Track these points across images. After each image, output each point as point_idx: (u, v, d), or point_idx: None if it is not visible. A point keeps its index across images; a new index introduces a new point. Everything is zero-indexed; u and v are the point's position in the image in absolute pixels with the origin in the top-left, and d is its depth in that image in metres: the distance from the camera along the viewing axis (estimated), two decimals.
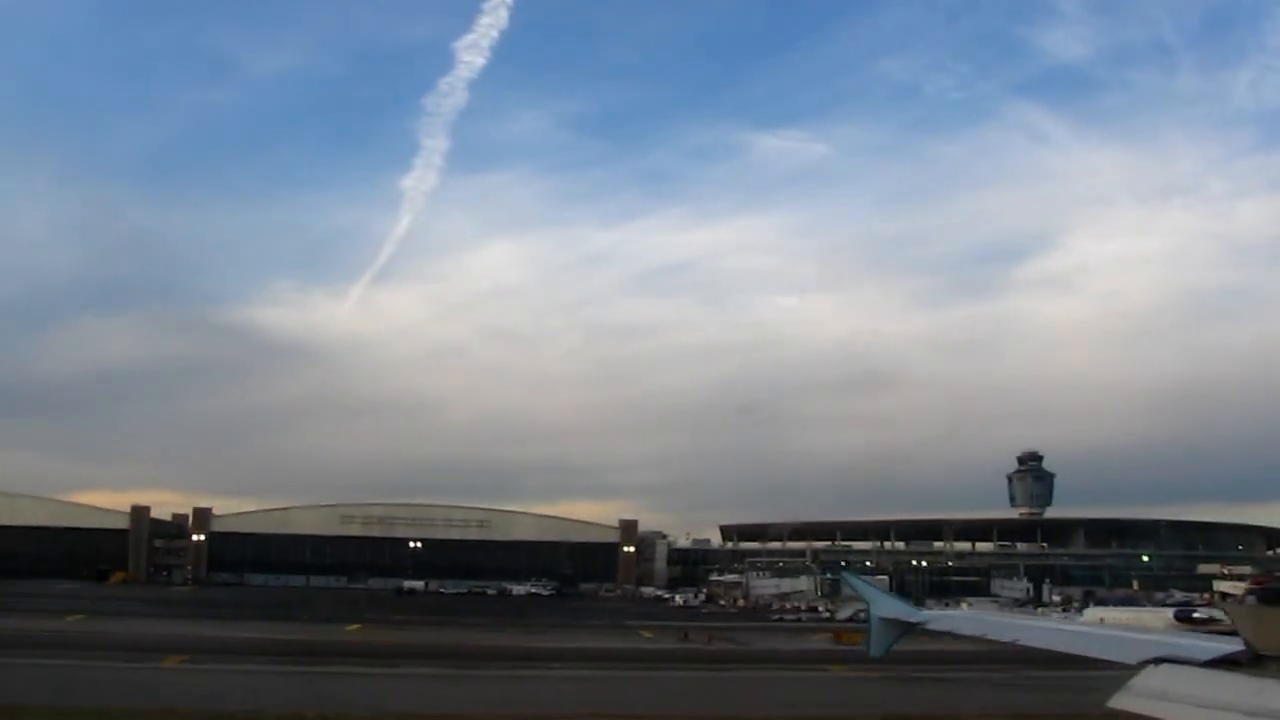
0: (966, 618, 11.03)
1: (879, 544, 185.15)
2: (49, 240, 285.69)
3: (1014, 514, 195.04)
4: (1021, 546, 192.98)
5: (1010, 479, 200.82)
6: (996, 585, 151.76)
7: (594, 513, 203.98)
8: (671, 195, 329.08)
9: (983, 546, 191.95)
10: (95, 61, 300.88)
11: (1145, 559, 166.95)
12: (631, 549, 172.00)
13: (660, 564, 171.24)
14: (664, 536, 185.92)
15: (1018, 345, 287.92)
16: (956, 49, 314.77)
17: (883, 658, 10.31)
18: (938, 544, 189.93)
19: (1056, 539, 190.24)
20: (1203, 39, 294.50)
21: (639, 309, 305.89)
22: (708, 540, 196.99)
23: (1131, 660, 7.75)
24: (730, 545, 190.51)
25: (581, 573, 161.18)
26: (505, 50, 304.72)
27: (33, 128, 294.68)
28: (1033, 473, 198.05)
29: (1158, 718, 7.27)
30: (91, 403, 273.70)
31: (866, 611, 10.91)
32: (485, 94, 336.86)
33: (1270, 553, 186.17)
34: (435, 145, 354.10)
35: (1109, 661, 7.94)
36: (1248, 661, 7.21)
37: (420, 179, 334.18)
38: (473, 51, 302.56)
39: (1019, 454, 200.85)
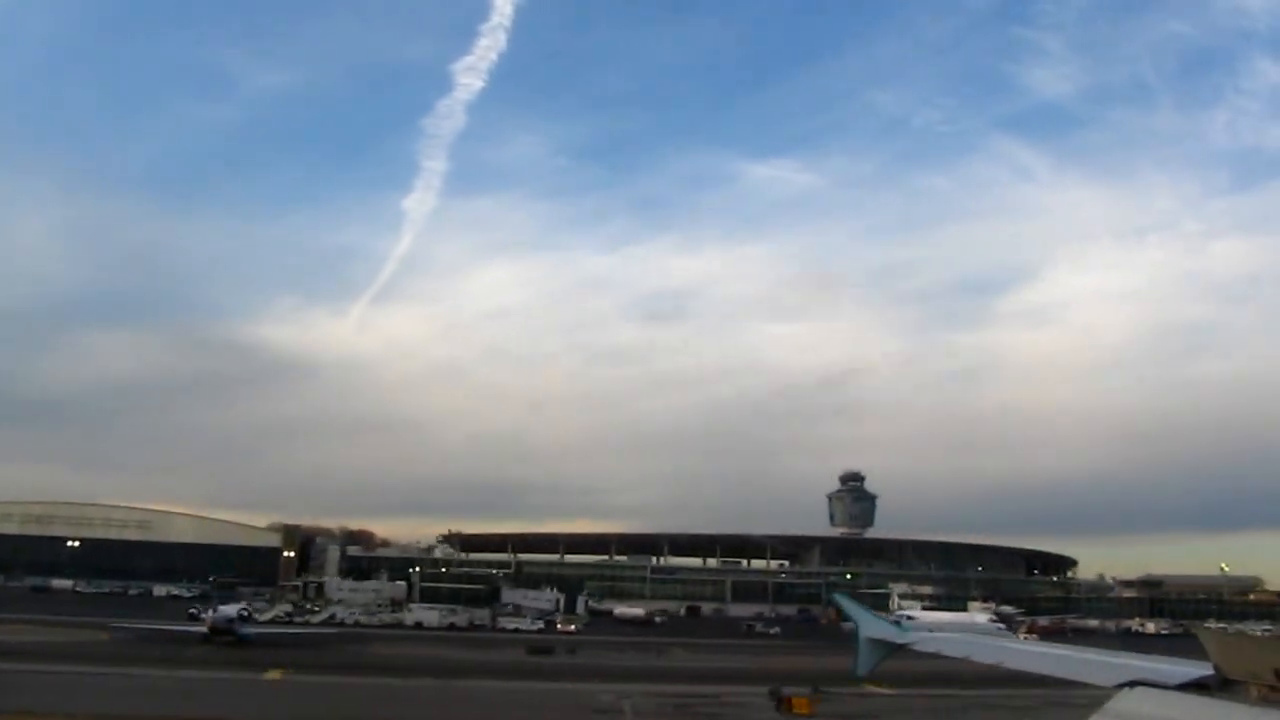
0: (953, 640, 11.42)
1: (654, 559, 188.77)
2: (54, 253, 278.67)
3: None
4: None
5: (830, 499, 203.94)
6: None
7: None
8: (664, 222, 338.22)
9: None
10: (100, 77, 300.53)
11: (849, 576, 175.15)
12: (292, 554, 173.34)
13: (331, 569, 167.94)
14: (337, 543, 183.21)
15: (998, 375, 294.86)
16: (944, 83, 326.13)
17: (867, 676, 10.68)
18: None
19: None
20: (1181, 80, 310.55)
21: (632, 334, 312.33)
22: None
23: (1108, 683, 8.18)
24: (461, 554, 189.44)
25: (244, 576, 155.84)
26: (503, 73, 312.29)
27: (38, 142, 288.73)
28: (853, 493, 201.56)
29: None
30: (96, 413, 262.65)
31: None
32: (483, 117, 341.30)
33: (1034, 574, 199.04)
34: (435, 167, 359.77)
35: (1087, 684, 8.37)
36: (1217, 686, 7.69)
37: (420, 200, 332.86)
38: (471, 74, 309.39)
39: (841, 474, 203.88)
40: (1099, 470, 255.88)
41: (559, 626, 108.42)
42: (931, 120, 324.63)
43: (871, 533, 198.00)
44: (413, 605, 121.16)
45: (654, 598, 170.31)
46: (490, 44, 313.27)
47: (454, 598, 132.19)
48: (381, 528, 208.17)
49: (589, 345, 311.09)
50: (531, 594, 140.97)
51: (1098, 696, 8.15)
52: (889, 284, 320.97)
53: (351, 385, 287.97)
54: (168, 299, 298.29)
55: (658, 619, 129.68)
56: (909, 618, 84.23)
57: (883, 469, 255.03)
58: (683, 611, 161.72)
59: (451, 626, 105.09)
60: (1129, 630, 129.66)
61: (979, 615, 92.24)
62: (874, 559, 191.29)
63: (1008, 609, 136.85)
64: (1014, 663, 9.36)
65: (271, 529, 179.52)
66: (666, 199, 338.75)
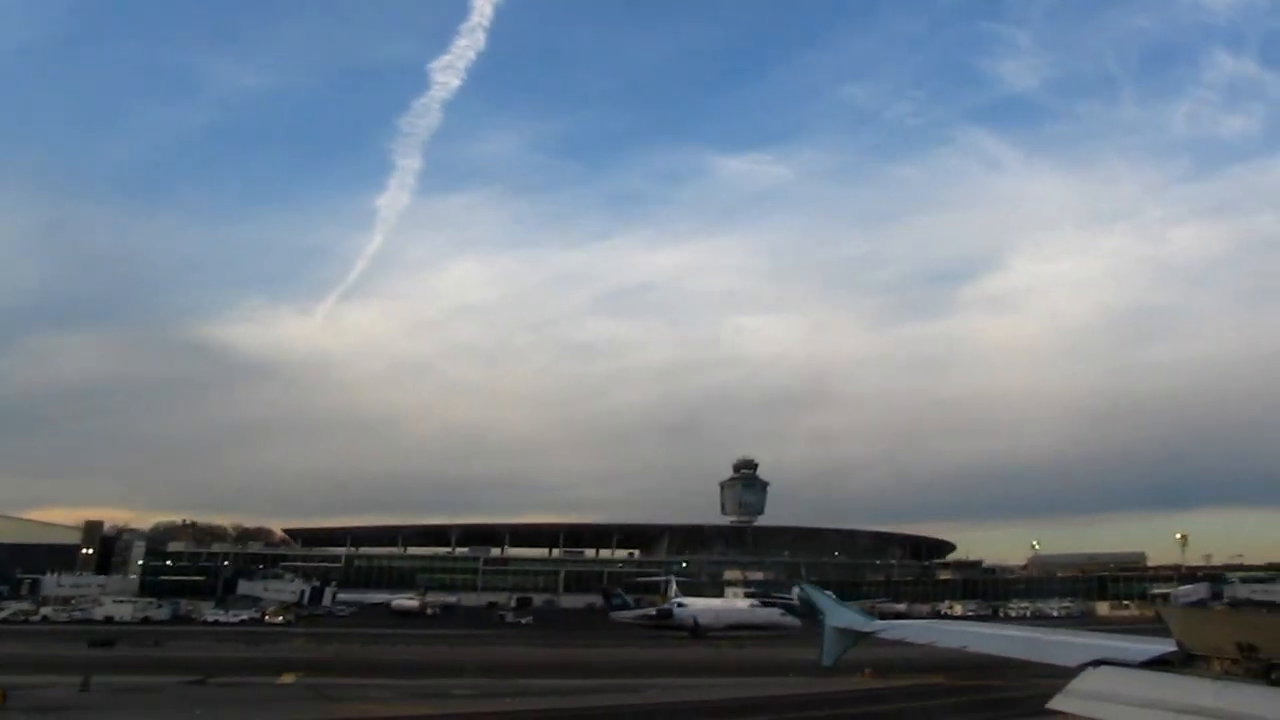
0: (917, 626, 11.54)
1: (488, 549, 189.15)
2: (16, 256, 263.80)
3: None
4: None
5: (722, 487, 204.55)
6: None
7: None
8: (638, 217, 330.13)
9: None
10: (69, 78, 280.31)
11: (684, 565, 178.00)
12: (90, 550, 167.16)
13: (134, 567, 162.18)
14: (143, 539, 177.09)
15: (960, 363, 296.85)
16: (915, 77, 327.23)
17: (833, 666, 10.66)
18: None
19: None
20: (1144, 73, 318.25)
21: (604, 328, 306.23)
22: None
23: (1072, 663, 8.29)
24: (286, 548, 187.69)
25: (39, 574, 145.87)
26: (480, 72, 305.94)
27: (5, 143, 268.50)
28: (744, 481, 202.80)
29: (1095, 718, 7.79)
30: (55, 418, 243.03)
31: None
32: (459, 115, 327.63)
33: (914, 560, 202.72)
34: (409, 165, 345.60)
35: (1051, 664, 8.49)
36: (1180, 662, 7.87)
37: (394, 198, 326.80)
38: (448, 73, 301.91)
39: (734, 462, 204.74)
40: (1054, 454, 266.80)
41: (266, 619, 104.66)
42: (902, 113, 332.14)
43: (762, 521, 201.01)
44: (104, 599, 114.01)
45: (488, 589, 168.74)
46: (469, 43, 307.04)
47: (178, 590, 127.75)
48: (334, 524, 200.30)
49: (559, 340, 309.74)
50: (274, 585, 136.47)
51: (1062, 677, 8.26)
52: (859, 274, 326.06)
53: (317, 383, 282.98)
54: (133, 300, 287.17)
55: (430, 611, 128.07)
56: (680, 604, 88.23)
57: (827, 458, 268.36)
58: (513, 603, 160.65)
59: (146, 620, 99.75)
60: (938, 613, 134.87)
61: (740, 601, 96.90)
62: (735, 547, 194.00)
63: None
64: (977, 646, 9.46)
65: (75, 527, 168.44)
66: (640, 194, 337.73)
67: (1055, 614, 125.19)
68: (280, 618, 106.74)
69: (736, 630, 79.12)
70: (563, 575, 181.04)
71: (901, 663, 39.61)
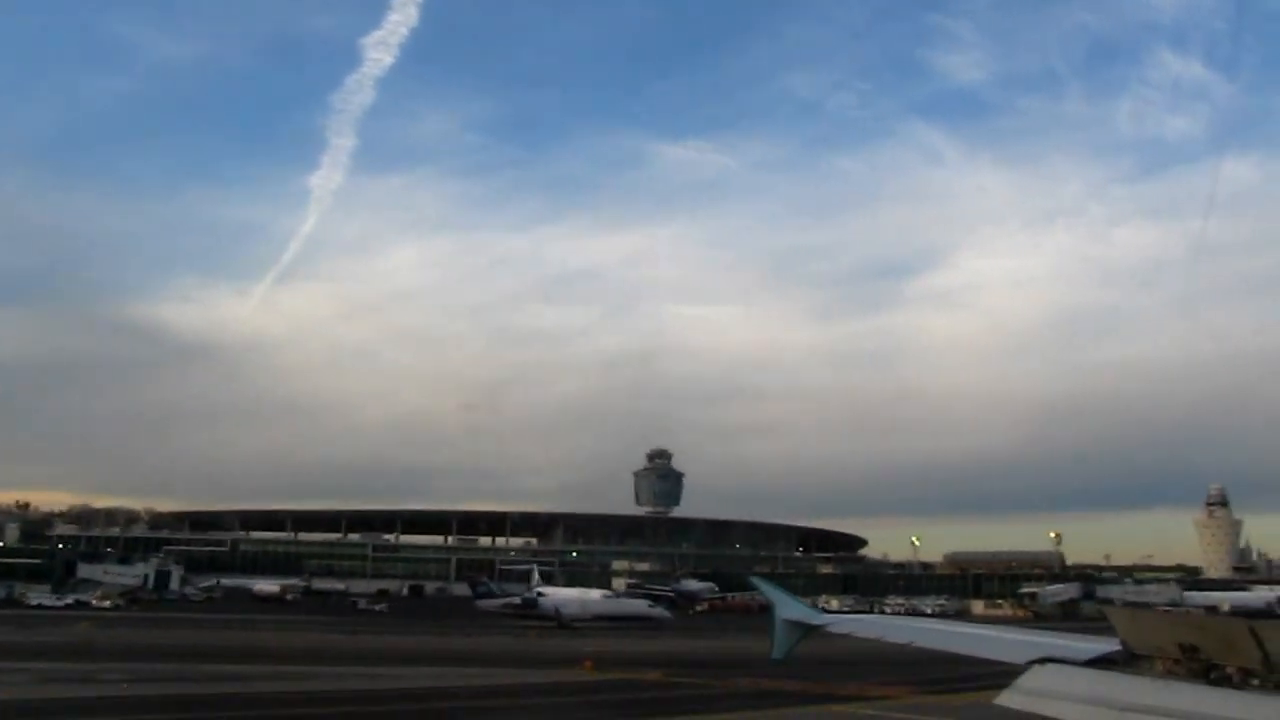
0: (865, 621, 11.58)
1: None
2: None
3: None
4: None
5: (635, 476, 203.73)
6: None
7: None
8: (579, 202, 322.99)
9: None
10: None
11: (574, 555, 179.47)
12: None
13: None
14: (15, 521, 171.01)
15: (904, 358, 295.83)
16: (858, 68, 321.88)
17: (784, 660, 10.60)
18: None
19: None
20: (1089, 69, 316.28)
21: (545, 315, 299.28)
22: None
23: (1018, 660, 8.38)
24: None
25: None
26: (415, 49, 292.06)
27: None
28: (657, 471, 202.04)
29: (1041, 714, 7.89)
30: None
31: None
32: (394, 93, 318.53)
33: (798, 552, 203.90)
34: (343, 144, 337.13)
35: (997, 661, 8.56)
36: (1124, 661, 8.00)
37: (327, 177, 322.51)
38: (381, 49, 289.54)
39: (648, 451, 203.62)
40: (991, 452, 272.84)
41: (94, 603, 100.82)
42: (845, 104, 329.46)
43: (678, 512, 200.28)
44: None
45: (377, 576, 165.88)
46: (401, 19, 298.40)
47: (9, 573, 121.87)
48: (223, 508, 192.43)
49: (498, 326, 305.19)
50: (115, 569, 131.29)
51: (1009, 673, 8.33)
52: (801, 266, 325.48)
53: (254, 366, 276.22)
54: (61, 275, 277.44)
55: (289, 597, 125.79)
56: (540, 594, 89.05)
57: (762, 451, 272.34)
58: (405, 590, 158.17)
59: None
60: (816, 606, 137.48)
61: (593, 592, 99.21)
62: (633, 537, 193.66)
63: (693, 584, 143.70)
64: (924, 641, 9.51)
65: None
66: (579, 179, 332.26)
67: (929, 611, 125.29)
68: (108, 602, 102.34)
69: (603, 621, 79.19)
70: (454, 563, 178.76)
71: (808, 657, 39.19)
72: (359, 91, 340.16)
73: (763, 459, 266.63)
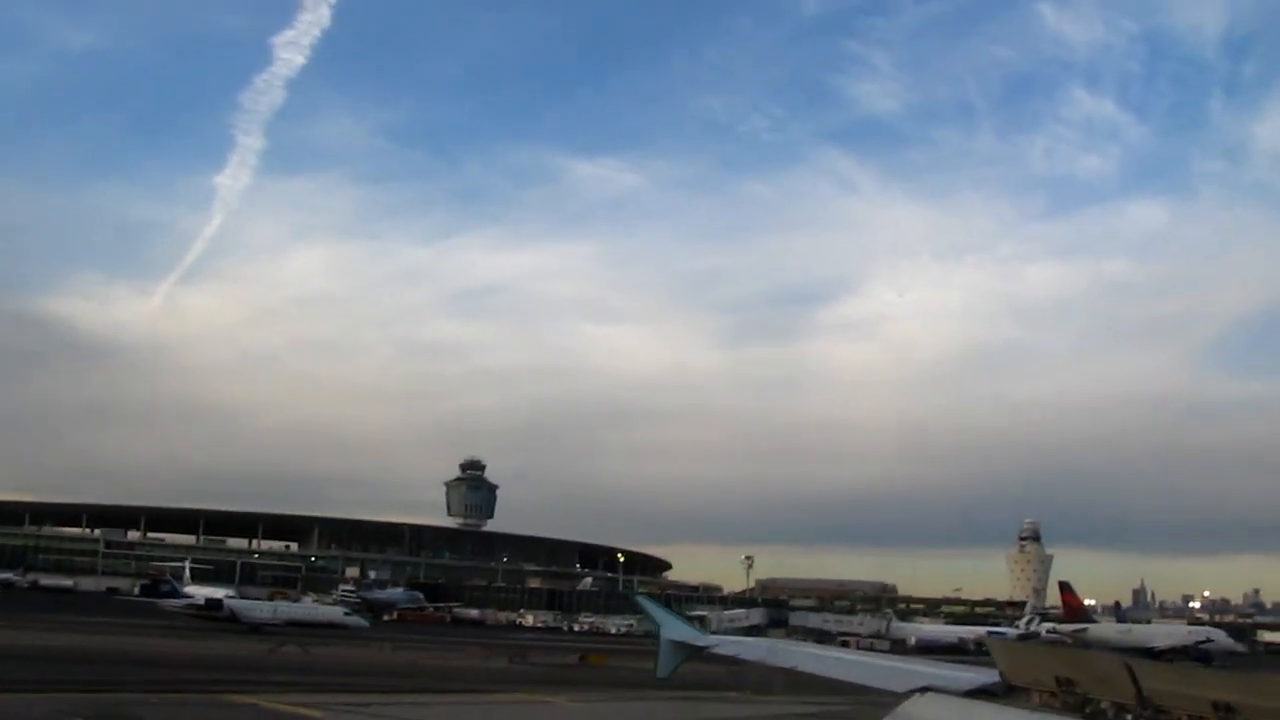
0: (750, 644, 11.17)
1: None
2: None
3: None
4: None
5: (447, 487, 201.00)
6: None
7: None
8: (487, 215, 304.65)
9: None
10: None
11: (314, 559, 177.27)
12: None
13: None
14: None
15: (805, 387, 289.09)
16: (771, 92, 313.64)
17: (668, 679, 10.07)
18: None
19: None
20: (1003, 104, 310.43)
21: (450, 328, 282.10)
22: None
23: (899, 689, 8.33)
24: None
25: None
26: (326, 51, 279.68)
27: None
28: (470, 482, 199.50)
29: None
30: None
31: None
32: (303, 94, 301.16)
33: (577, 566, 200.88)
34: (250, 144, 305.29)
35: (879, 689, 8.48)
36: (1002, 692, 8.09)
37: (233, 177, 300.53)
38: (292, 49, 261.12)
39: (461, 462, 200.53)
40: (868, 482, 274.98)
41: None
42: (758, 127, 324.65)
43: (491, 525, 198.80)
44: None
45: (110, 574, 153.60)
46: (313, 19, 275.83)
47: None
48: None
49: (404, 338, 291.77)
50: None
51: (888, 702, 8.27)
52: (709, 290, 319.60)
53: (153, 367, 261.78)
54: None
55: None
56: (229, 595, 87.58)
57: (634, 471, 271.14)
58: (137, 590, 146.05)
59: None
60: (514, 623, 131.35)
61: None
62: (393, 545, 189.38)
63: (386, 593, 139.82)
64: (809, 667, 9.30)
65: None
66: (489, 191, 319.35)
67: (613, 630, 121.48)
68: None
69: (295, 626, 78.16)
70: (188, 563, 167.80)
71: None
72: (268, 92, 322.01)
73: (629, 479, 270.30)
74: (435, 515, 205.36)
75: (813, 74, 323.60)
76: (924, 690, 8.23)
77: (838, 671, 9.30)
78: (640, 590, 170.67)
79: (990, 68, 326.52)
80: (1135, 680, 7.26)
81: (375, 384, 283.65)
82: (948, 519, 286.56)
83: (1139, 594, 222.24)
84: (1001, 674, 8.13)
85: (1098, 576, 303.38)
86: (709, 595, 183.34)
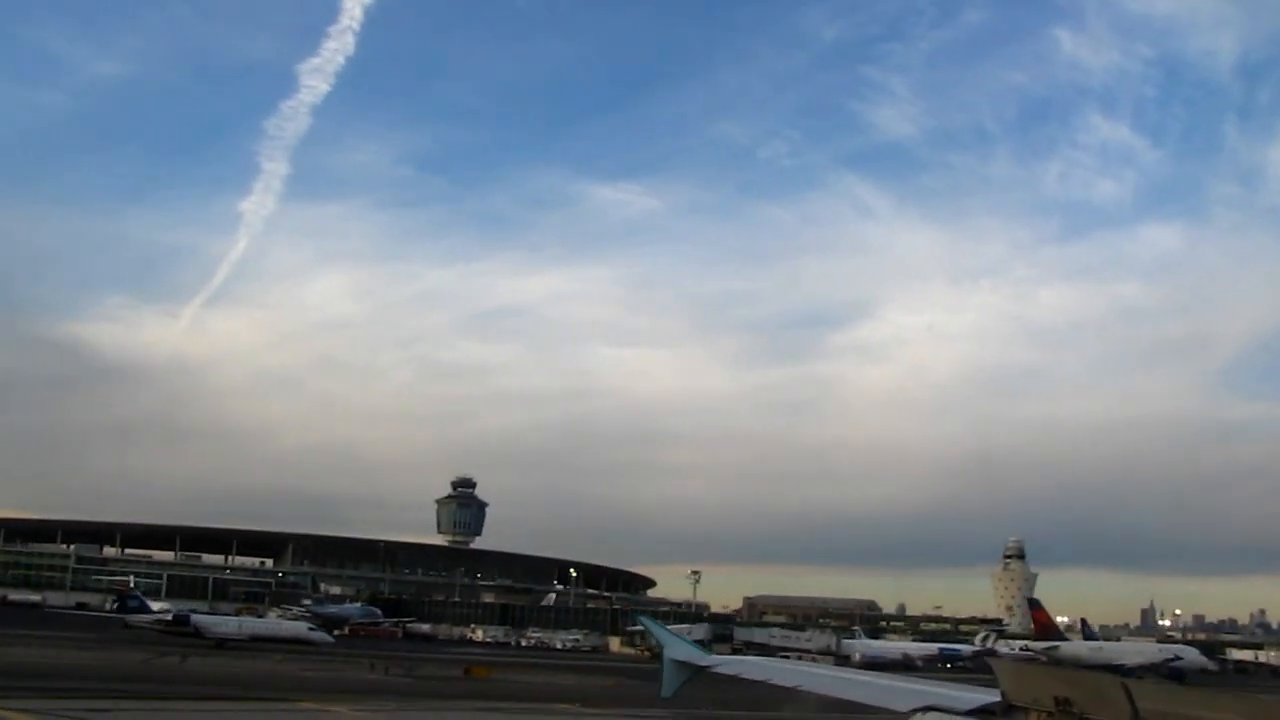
0: (752, 663, 11.22)
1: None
2: None
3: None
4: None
5: (438, 504, 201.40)
6: None
7: None
8: (507, 239, 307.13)
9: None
10: None
11: (281, 575, 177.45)
12: None
13: None
14: None
15: (823, 409, 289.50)
16: (790, 117, 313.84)
17: (672, 698, 10.15)
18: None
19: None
20: (1019, 130, 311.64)
21: (471, 350, 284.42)
22: None
23: (902, 708, 8.46)
24: None
25: None
26: (350, 78, 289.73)
27: None
28: (459, 500, 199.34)
29: None
30: None
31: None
32: (328, 121, 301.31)
33: (558, 586, 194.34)
34: (275, 169, 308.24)
35: (882, 708, 8.60)
36: (1002, 712, 8.24)
37: (259, 203, 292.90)
38: (317, 76, 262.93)
39: (452, 479, 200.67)
40: (881, 505, 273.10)
41: None
42: (777, 153, 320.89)
43: (479, 542, 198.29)
44: None
45: (78, 589, 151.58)
46: (338, 47, 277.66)
47: None
48: None
49: (425, 360, 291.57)
50: None
51: None
52: (726, 313, 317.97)
53: (180, 389, 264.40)
54: None
55: None
56: (194, 611, 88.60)
57: (676, 496, 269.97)
58: (110, 606, 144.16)
59: None
60: (465, 638, 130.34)
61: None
62: (367, 561, 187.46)
63: (338, 608, 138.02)
64: (811, 686, 9.41)
65: None
66: (509, 216, 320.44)
67: (559, 645, 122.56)
68: None
69: (260, 641, 78.19)
70: (165, 579, 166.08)
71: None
72: (294, 118, 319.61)
73: (635, 500, 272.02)
74: (435, 534, 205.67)
75: (831, 99, 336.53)
76: (926, 710, 8.37)
77: (840, 691, 9.41)
78: (618, 606, 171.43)
79: (1006, 93, 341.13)
80: (1132, 700, 7.43)
81: (394, 406, 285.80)
82: (952, 539, 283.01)
83: (1148, 613, 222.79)
84: (1003, 694, 8.27)
85: (1108, 597, 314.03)
86: (655, 610, 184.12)
